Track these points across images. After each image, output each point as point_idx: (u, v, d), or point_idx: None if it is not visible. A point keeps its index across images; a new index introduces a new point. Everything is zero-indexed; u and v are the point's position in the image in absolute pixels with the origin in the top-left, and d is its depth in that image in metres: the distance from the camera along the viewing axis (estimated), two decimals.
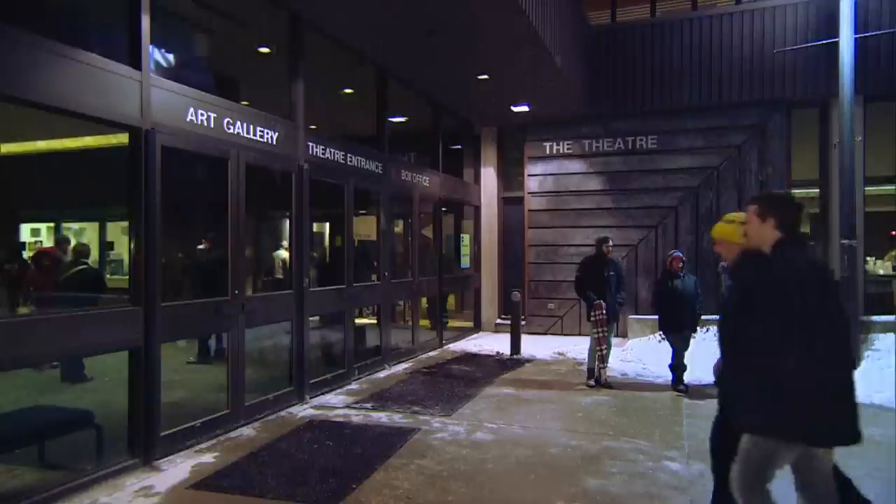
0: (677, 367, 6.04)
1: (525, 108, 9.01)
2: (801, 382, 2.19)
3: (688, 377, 6.12)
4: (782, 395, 2.21)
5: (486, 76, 7.53)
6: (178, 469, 3.87)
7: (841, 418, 2.22)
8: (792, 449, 2.30)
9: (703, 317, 6.34)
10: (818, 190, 8.67)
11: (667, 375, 6.35)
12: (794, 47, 8.24)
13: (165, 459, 3.99)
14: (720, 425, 2.86)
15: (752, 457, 2.36)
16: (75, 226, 9.71)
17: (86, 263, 5.65)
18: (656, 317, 6.33)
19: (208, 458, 4.08)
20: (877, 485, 3.67)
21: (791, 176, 8.73)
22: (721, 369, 2.72)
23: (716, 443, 2.90)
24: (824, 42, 7.90)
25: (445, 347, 8.69)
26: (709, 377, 6.42)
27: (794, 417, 2.21)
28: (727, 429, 2.62)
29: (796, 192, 8.86)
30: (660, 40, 9.04)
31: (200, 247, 6.17)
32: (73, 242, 6.15)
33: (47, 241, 9.60)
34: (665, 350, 7.00)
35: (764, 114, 8.71)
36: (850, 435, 2.22)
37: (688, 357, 6.10)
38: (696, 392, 5.94)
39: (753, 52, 8.52)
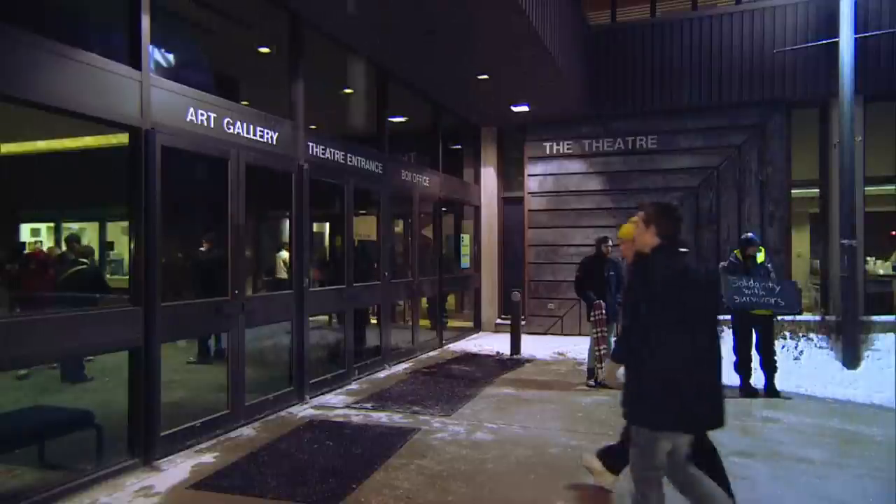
0: None
1: (525, 108, 9.01)
2: (672, 376, 2.43)
3: None
4: (658, 388, 2.45)
5: (485, 76, 7.53)
6: (178, 469, 3.87)
7: (710, 408, 2.48)
8: (671, 437, 2.51)
9: None
10: (818, 190, 8.68)
11: None
12: (794, 47, 8.24)
13: (165, 459, 3.99)
14: None
15: (639, 446, 2.57)
16: (75, 226, 9.71)
17: (85, 263, 5.64)
18: None
19: (208, 458, 4.08)
20: (877, 485, 3.67)
21: (791, 176, 8.73)
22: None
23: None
24: (824, 42, 7.90)
25: (445, 347, 8.70)
26: None
27: (670, 409, 2.44)
28: None
29: (796, 192, 8.88)
30: (660, 40, 9.04)
31: (202, 248, 6.17)
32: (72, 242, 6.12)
33: (48, 241, 9.60)
34: None
35: (764, 114, 8.71)
36: (718, 422, 2.50)
37: None
38: None
39: (753, 52, 8.53)
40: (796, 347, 7.21)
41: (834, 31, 7.36)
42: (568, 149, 9.79)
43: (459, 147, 10.64)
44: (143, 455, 3.90)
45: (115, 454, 3.83)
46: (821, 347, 7.16)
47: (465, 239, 10.19)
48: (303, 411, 5.24)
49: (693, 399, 2.45)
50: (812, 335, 7.31)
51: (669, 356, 2.45)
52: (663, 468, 2.56)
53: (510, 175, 10.51)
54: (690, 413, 2.46)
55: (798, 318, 6.99)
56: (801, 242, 9.69)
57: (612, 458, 3.40)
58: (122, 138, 3.98)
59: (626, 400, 2.61)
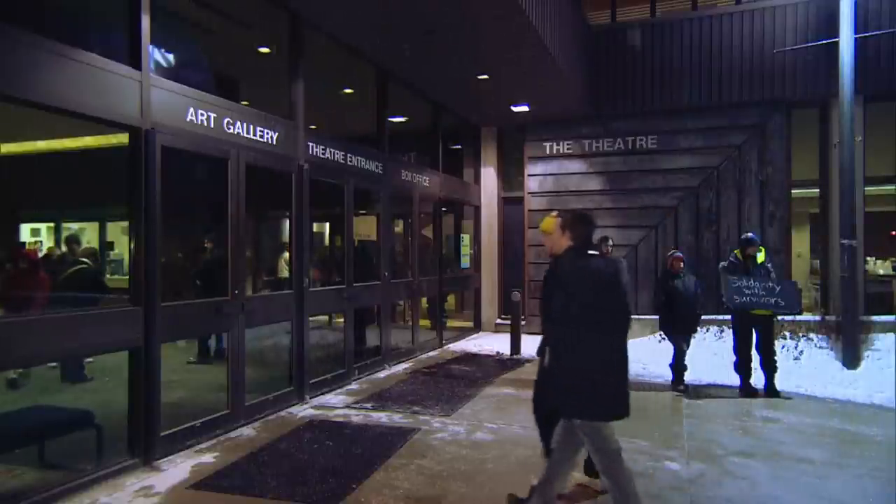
0: (678, 366, 6.04)
1: (525, 108, 9.01)
2: (585, 369, 2.71)
3: (687, 377, 6.12)
4: (575, 382, 2.73)
5: (485, 76, 7.53)
6: (178, 469, 3.87)
7: (618, 398, 2.76)
8: (606, 425, 2.78)
9: (703, 317, 6.35)
10: (818, 190, 8.67)
11: (667, 375, 6.35)
12: (795, 47, 8.24)
13: (165, 459, 3.99)
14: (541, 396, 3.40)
15: (587, 435, 2.81)
16: (75, 226, 9.71)
17: (85, 263, 5.64)
18: (656, 317, 6.33)
19: (208, 458, 4.08)
20: (877, 485, 3.68)
21: (791, 176, 8.73)
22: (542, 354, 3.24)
23: (540, 413, 3.54)
24: (824, 42, 7.90)
25: (445, 347, 8.70)
26: (709, 377, 6.47)
27: (591, 399, 2.73)
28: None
29: (796, 192, 8.87)
30: (660, 40, 9.04)
31: (206, 245, 6.16)
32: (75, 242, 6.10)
33: (48, 241, 9.60)
34: (664, 350, 7.00)
35: (764, 114, 8.71)
36: (625, 411, 2.79)
37: (688, 357, 6.11)
38: (695, 392, 5.94)
39: (753, 52, 8.52)
40: (796, 347, 7.21)
41: (834, 31, 7.37)
42: (568, 149, 9.79)
43: (459, 147, 10.64)
44: (143, 455, 3.90)
45: (115, 454, 3.83)
46: (821, 347, 7.16)
47: (465, 239, 10.19)
48: (303, 411, 5.24)
49: (620, 389, 2.78)
50: (812, 335, 7.31)
51: (586, 352, 2.72)
52: (619, 447, 2.82)
53: (510, 175, 10.51)
54: (611, 404, 2.76)
55: (798, 318, 6.99)
56: (801, 242, 9.70)
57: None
58: (123, 138, 3.98)
59: (558, 395, 2.86)
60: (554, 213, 3.19)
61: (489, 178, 10.44)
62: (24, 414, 3.93)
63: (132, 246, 3.95)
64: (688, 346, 6.07)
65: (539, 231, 3.32)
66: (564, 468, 3.02)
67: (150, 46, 4.04)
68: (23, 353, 3.26)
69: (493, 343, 8.91)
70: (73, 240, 6.00)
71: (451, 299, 10.71)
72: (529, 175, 10.04)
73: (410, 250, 8.41)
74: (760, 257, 5.95)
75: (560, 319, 2.79)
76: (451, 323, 9.98)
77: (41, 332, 3.34)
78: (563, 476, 3.03)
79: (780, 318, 6.36)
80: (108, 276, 8.14)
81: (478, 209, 10.42)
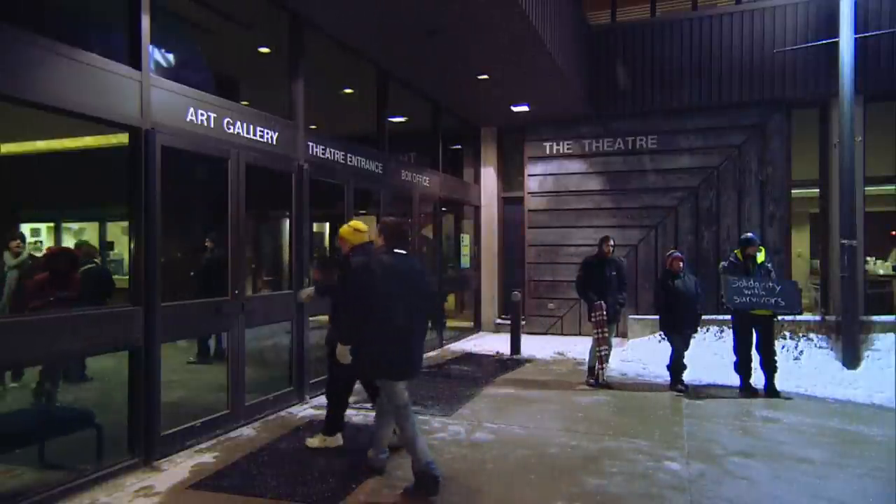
0: (676, 367, 6.04)
1: (525, 108, 9.01)
2: (382, 341, 3.44)
3: (687, 377, 6.12)
4: (374, 350, 3.47)
5: (485, 76, 7.53)
6: (178, 469, 3.87)
7: (406, 363, 3.53)
8: (397, 383, 3.53)
9: (703, 317, 6.35)
10: (818, 190, 8.67)
11: (667, 375, 6.36)
12: (795, 47, 8.24)
13: (165, 459, 3.99)
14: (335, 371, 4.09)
15: (387, 393, 3.59)
16: (75, 226, 9.70)
17: (94, 262, 5.64)
18: (656, 317, 6.33)
19: (208, 458, 4.08)
20: (877, 485, 3.68)
21: (791, 176, 8.73)
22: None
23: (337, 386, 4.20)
24: (824, 42, 7.90)
25: (445, 347, 8.70)
26: (709, 377, 6.47)
27: (386, 362, 3.49)
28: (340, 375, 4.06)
29: (796, 191, 8.88)
30: (660, 40, 9.04)
31: (207, 244, 6.16)
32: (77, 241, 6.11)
33: (48, 241, 9.59)
34: (664, 350, 7.00)
35: (764, 114, 8.71)
36: (410, 375, 3.59)
37: (688, 357, 6.10)
38: (695, 392, 5.94)
39: (753, 51, 8.53)
40: (796, 347, 7.21)
41: (834, 31, 7.36)
42: (568, 149, 9.80)
43: (459, 147, 10.64)
44: (143, 455, 3.90)
45: (115, 454, 3.83)
46: (821, 347, 7.16)
47: (465, 239, 10.19)
48: (303, 411, 5.24)
49: (404, 358, 3.52)
50: (812, 335, 7.31)
51: (385, 328, 3.44)
52: (408, 404, 3.57)
53: (510, 175, 10.52)
54: (403, 368, 3.54)
55: (798, 318, 6.99)
56: (801, 242, 9.70)
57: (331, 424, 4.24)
58: (123, 138, 3.98)
59: (365, 364, 3.61)
60: (353, 222, 4.13)
61: (489, 177, 10.44)
62: (25, 414, 3.93)
63: (132, 246, 3.95)
64: (687, 346, 6.07)
65: (339, 236, 4.05)
66: (387, 420, 3.76)
67: (150, 46, 4.04)
68: (23, 353, 3.25)
69: (493, 343, 8.91)
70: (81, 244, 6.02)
71: (450, 299, 10.71)
72: (529, 175, 10.04)
73: (410, 250, 8.40)
74: (760, 257, 5.95)
75: (363, 302, 3.47)
76: (450, 323, 9.98)
77: (41, 332, 3.34)
78: (387, 427, 3.78)
79: (780, 318, 6.35)
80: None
81: (478, 209, 10.42)
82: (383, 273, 3.46)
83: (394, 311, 3.43)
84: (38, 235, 9.76)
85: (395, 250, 3.59)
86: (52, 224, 9.68)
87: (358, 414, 5.15)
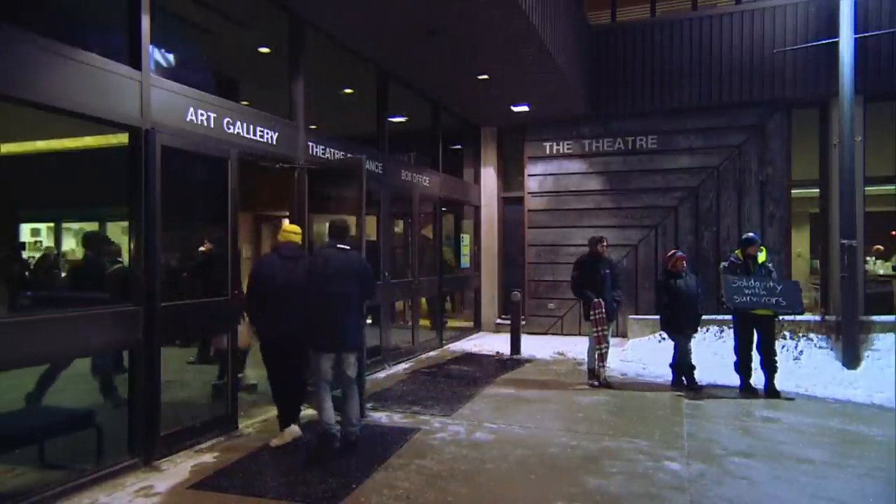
0: (682, 366, 6.02)
1: (525, 108, 9.01)
2: (316, 320, 4.13)
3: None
4: (312, 327, 4.16)
5: (486, 76, 7.53)
6: (178, 469, 3.87)
7: (334, 338, 4.14)
8: (323, 355, 4.16)
9: (703, 316, 6.35)
10: (818, 190, 8.67)
11: (667, 375, 6.36)
12: (795, 47, 8.25)
13: (166, 459, 3.99)
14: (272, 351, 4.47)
15: (311, 362, 4.24)
16: (76, 225, 9.70)
17: (120, 262, 5.64)
18: (656, 317, 6.33)
19: (208, 458, 4.08)
20: (877, 485, 3.67)
21: (791, 176, 8.73)
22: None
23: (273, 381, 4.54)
24: (824, 42, 7.90)
25: (445, 347, 8.70)
26: (709, 377, 6.46)
27: (315, 336, 4.17)
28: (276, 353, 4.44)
29: (796, 192, 8.88)
30: (660, 40, 9.04)
31: (202, 248, 6.16)
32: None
33: (47, 241, 9.59)
34: (665, 350, 7.00)
35: (764, 114, 8.71)
36: (337, 349, 4.17)
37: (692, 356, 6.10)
38: (696, 392, 5.93)
39: (753, 51, 8.53)
40: (796, 347, 7.21)
41: (834, 30, 7.36)
42: (568, 149, 9.80)
43: (459, 147, 10.63)
44: (143, 455, 3.90)
45: (115, 454, 3.83)
46: (821, 347, 7.16)
47: (465, 239, 10.19)
48: (302, 411, 5.23)
49: (330, 334, 4.13)
50: (812, 335, 7.31)
51: (317, 309, 4.12)
52: (328, 376, 4.18)
53: (510, 175, 10.51)
54: (329, 342, 4.15)
55: (798, 318, 6.99)
56: (801, 242, 9.70)
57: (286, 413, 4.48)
58: (123, 138, 3.98)
59: (305, 335, 4.24)
60: (285, 225, 4.70)
61: (489, 177, 10.44)
62: (25, 413, 3.93)
63: (132, 246, 3.95)
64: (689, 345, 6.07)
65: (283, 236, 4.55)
66: (351, 393, 4.34)
67: (150, 46, 4.04)
68: (25, 353, 3.25)
69: (493, 343, 8.91)
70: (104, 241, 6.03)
71: (451, 299, 10.70)
72: (529, 175, 10.04)
73: (410, 250, 8.41)
74: (761, 257, 5.95)
75: (309, 287, 4.17)
76: (451, 323, 9.98)
77: (44, 332, 3.34)
78: (353, 399, 4.32)
79: (780, 318, 6.35)
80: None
81: (478, 209, 10.42)
82: (323, 263, 4.16)
83: (327, 294, 4.09)
84: (37, 235, 9.76)
85: (338, 245, 4.26)
86: (52, 224, 9.68)
87: (382, 416, 5.14)
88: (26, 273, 7.50)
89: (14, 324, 3.29)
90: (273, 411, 5.04)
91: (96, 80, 3.62)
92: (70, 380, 5.51)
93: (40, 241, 9.63)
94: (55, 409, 4.13)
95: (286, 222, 4.74)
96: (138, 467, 3.84)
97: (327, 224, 4.47)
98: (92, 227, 9.41)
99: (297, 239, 4.56)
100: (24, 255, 8.86)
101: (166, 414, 4.11)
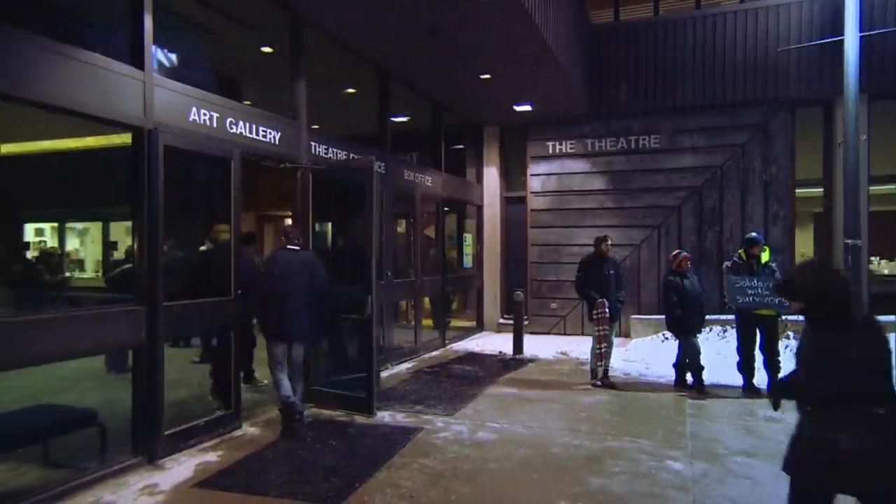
0: (692, 366, 5.95)
1: (528, 108, 9.00)
2: (272, 311, 4.67)
3: (687, 376, 6.08)
4: (268, 318, 4.72)
5: (488, 76, 7.52)
6: (181, 468, 3.88)
7: (280, 328, 4.66)
8: (275, 343, 4.69)
9: (706, 316, 6.32)
10: (822, 189, 8.63)
11: (669, 375, 6.34)
12: (799, 45, 8.21)
13: (169, 458, 4.00)
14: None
15: (268, 349, 4.72)
16: (79, 225, 9.75)
17: (131, 262, 5.66)
18: (659, 317, 6.32)
19: (212, 456, 4.09)
20: None
21: (795, 175, 8.69)
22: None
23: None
24: (829, 40, 7.87)
25: (448, 347, 8.69)
26: (712, 377, 6.44)
27: (268, 327, 4.73)
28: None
29: (800, 191, 8.84)
30: (663, 39, 9.02)
31: (203, 248, 6.17)
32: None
33: (51, 241, 9.63)
34: (668, 350, 6.99)
35: (768, 112, 8.68)
36: (285, 337, 4.68)
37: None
38: (698, 392, 5.91)
39: (757, 50, 8.50)
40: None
41: (839, 29, 7.32)
42: (571, 148, 9.78)
43: (462, 147, 10.63)
44: (146, 453, 3.91)
45: (119, 453, 3.85)
46: None
47: (468, 238, 10.18)
48: (306, 410, 5.23)
49: (284, 323, 4.65)
50: None
51: (270, 302, 4.66)
52: (282, 361, 4.68)
53: (512, 174, 10.50)
54: (277, 331, 4.68)
55: (800, 317, 6.95)
56: (804, 242, 9.65)
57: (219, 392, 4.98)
58: (125, 138, 3.99)
59: (261, 326, 4.88)
60: (219, 226, 5.06)
61: (492, 177, 10.43)
62: (29, 412, 3.95)
63: (135, 245, 3.97)
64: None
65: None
66: (278, 370, 4.73)
67: (153, 46, 4.05)
68: (29, 352, 3.27)
69: (496, 343, 8.91)
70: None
71: (453, 299, 10.69)
72: (532, 174, 10.03)
73: (413, 250, 8.41)
74: (765, 257, 5.93)
75: (262, 284, 4.74)
76: (453, 322, 9.97)
77: (47, 331, 3.35)
78: (282, 375, 4.69)
79: (784, 317, 6.33)
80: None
81: (480, 209, 10.41)
82: (277, 262, 4.74)
83: (278, 289, 4.61)
84: (41, 235, 9.80)
85: (288, 246, 4.78)
86: (55, 224, 9.72)
87: (385, 416, 5.16)
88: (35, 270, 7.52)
89: (20, 323, 3.30)
90: (275, 411, 5.05)
91: (99, 80, 3.63)
92: (73, 381, 5.54)
93: (44, 241, 9.67)
94: (59, 407, 4.14)
95: (221, 225, 4.94)
96: (142, 466, 3.86)
97: (284, 229, 5.08)
98: (95, 226, 9.45)
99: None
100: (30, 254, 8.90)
101: (170, 413, 4.12)
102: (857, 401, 2.16)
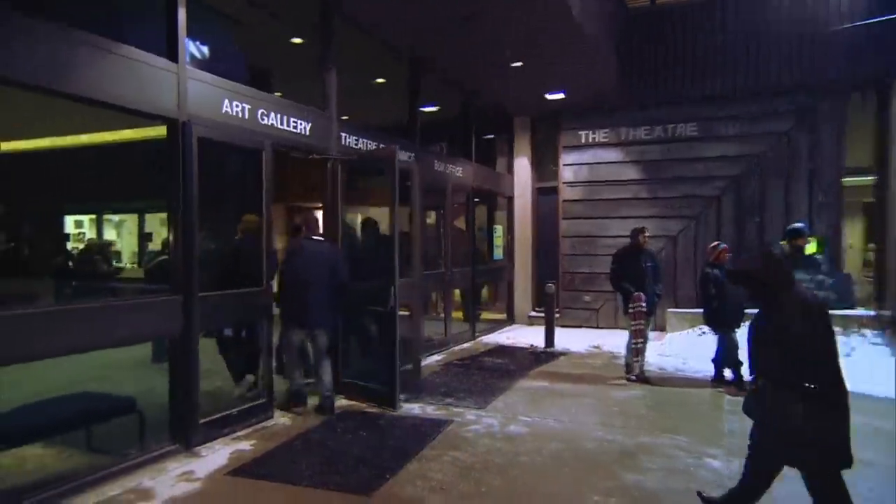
0: (729, 361, 5.76)
1: (560, 96, 8.81)
2: (294, 299, 4.83)
3: (727, 372, 5.88)
4: (287, 306, 4.91)
5: (520, 63, 7.37)
6: (217, 455, 3.95)
7: (298, 315, 4.84)
8: (294, 330, 4.92)
9: (745, 310, 6.09)
10: (874, 178, 8.19)
11: (707, 371, 6.14)
12: (851, 24, 7.75)
13: (205, 446, 4.08)
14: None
15: (287, 335, 4.96)
16: (116, 217, 10.04)
17: (167, 253, 5.81)
18: (695, 311, 6.12)
19: (245, 445, 4.15)
20: (877, 475, 3.46)
21: (843, 163, 8.26)
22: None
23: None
24: (885, 18, 7.39)
25: (478, 340, 8.64)
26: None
27: (289, 314, 4.91)
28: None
29: (849, 179, 8.40)
30: (700, 21, 8.66)
31: (238, 237, 6.26)
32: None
33: (90, 233, 9.95)
34: (705, 344, 6.78)
35: (814, 97, 8.26)
36: (303, 325, 4.87)
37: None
38: (737, 388, 5.71)
39: (804, 31, 8.07)
40: (848, 343, 6.86)
41: (895, 5, 6.90)
42: (604, 137, 9.54)
43: (492, 137, 10.50)
44: (183, 441, 3.99)
45: (157, 440, 3.94)
46: (875, 343, 6.79)
47: (499, 230, 10.08)
48: (337, 402, 5.27)
49: (305, 311, 4.79)
50: (865, 331, 6.94)
51: (291, 290, 4.86)
52: (298, 346, 5.01)
53: (544, 165, 10.32)
54: (298, 319, 4.84)
55: (850, 312, 6.65)
56: (853, 233, 9.21)
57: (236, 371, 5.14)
58: (160, 131, 4.05)
59: (283, 313, 4.98)
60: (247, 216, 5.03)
61: (522, 167, 10.28)
62: (71, 399, 4.07)
63: (171, 236, 4.03)
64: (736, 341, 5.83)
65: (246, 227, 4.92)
66: (294, 360, 5.03)
67: (186, 39, 4.08)
68: (69, 341, 3.35)
69: (527, 336, 8.81)
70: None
71: (484, 291, 10.63)
72: (564, 164, 9.83)
73: (443, 241, 8.37)
74: (810, 248, 5.67)
75: (285, 272, 4.93)
76: (484, 315, 9.91)
77: (89, 320, 3.44)
78: (296, 368, 5.00)
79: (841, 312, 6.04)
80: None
81: (511, 199, 10.29)
82: (300, 252, 4.88)
83: (301, 277, 4.76)
84: (81, 227, 10.14)
85: (312, 237, 4.98)
86: (94, 216, 10.04)
87: (415, 408, 5.16)
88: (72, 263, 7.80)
89: (62, 312, 3.39)
90: (308, 401, 5.10)
91: (134, 73, 3.68)
92: (116, 369, 5.70)
93: (83, 233, 10.00)
94: (98, 394, 4.26)
95: (249, 216, 4.97)
96: (179, 453, 3.94)
97: (302, 217, 5.32)
98: (132, 218, 9.71)
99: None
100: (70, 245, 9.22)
101: (204, 402, 4.19)
102: (797, 378, 2.41)
